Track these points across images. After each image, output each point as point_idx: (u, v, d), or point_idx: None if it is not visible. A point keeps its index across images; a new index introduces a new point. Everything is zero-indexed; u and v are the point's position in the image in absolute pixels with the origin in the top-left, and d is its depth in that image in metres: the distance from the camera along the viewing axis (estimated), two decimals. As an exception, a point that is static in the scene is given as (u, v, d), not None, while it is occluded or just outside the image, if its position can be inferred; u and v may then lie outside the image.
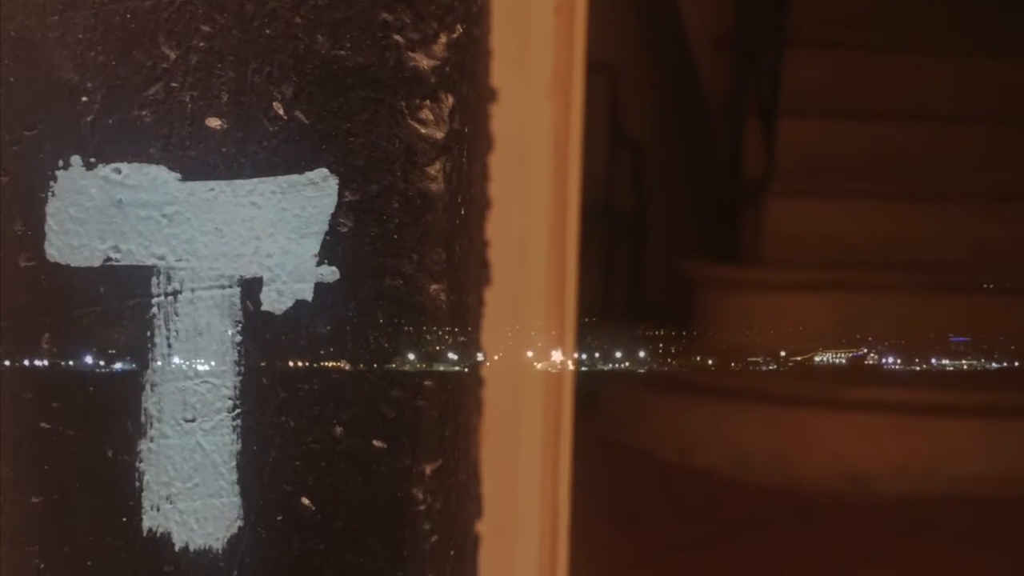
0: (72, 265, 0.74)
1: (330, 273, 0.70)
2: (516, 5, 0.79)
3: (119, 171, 0.73)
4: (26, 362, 0.76)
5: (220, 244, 0.72)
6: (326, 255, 0.70)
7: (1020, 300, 3.30)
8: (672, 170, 4.75)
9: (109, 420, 0.75)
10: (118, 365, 0.74)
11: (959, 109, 3.90)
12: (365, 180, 0.69)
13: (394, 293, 0.70)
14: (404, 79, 0.69)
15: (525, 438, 0.84)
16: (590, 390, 3.39)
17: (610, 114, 4.51)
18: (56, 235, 0.74)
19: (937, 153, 3.80)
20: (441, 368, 0.71)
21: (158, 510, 0.75)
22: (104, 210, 0.73)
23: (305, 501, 0.72)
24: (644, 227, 4.71)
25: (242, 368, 0.72)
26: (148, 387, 0.74)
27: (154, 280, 0.73)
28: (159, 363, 0.74)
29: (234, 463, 0.73)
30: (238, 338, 0.72)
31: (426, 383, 0.71)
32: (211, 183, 0.72)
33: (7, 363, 0.76)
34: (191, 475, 0.74)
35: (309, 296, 0.71)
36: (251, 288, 0.72)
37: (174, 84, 0.72)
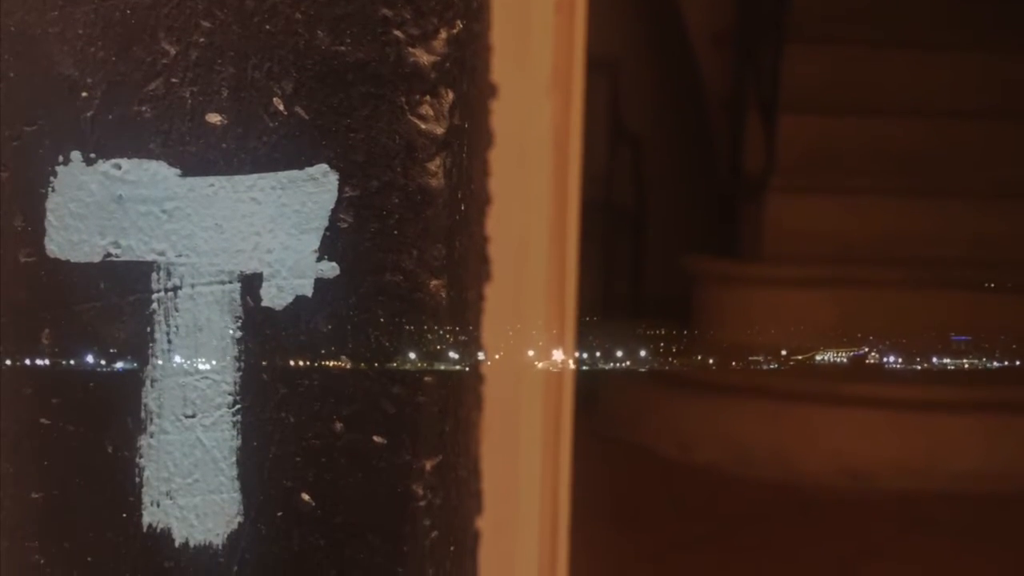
0: (72, 261, 0.74)
1: (330, 269, 0.70)
2: (516, 1, 0.79)
3: (119, 167, 0.73)
4: (26, 359, 0.76)
5: (220, 240, 0.72)
6: (326, 251, 0.70)
7: (1020, 296, 3.30)
8: (672, 166, 4.76)
9: (109, 416, 0.75)
10: (118, 361, 0.74)
11: (959, 105, 3.90)
12: (365, 176, 0.69)
13: (394, 289, 0.70)
14: (404, 75, 0.69)
15: (525, 434, 0.84)
16: (590, 386, 3.39)
17: (610, 110, 4.51)
18: (56, 231, 0.74)
19: (937, 149, 3.80)
20: (441, 364, 0.71)
21: (158, 506, 0.75)
22: (104, 206, 0.73)
23: (305, 497, 0.72)
24: (644, 223, 4.71)
25: (242, 364, 0.72)
26: (148, 383, 0.74)
27: (154, 276, 0.73)
28: (159, 359, 0.74)
29: (234, 459, 0.73)
30: (238, 334, 0.72)
31: (426, 379, 0.71)
32: (211, 179, 0.71)
33: (7, 359, 0.76)
34: (191, 471, 0.74)
35: (309, 292, 0.71)
36: (251, 284, 0.72)
37: (174, 80, 0.72)
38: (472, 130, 0.73)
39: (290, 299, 0.71)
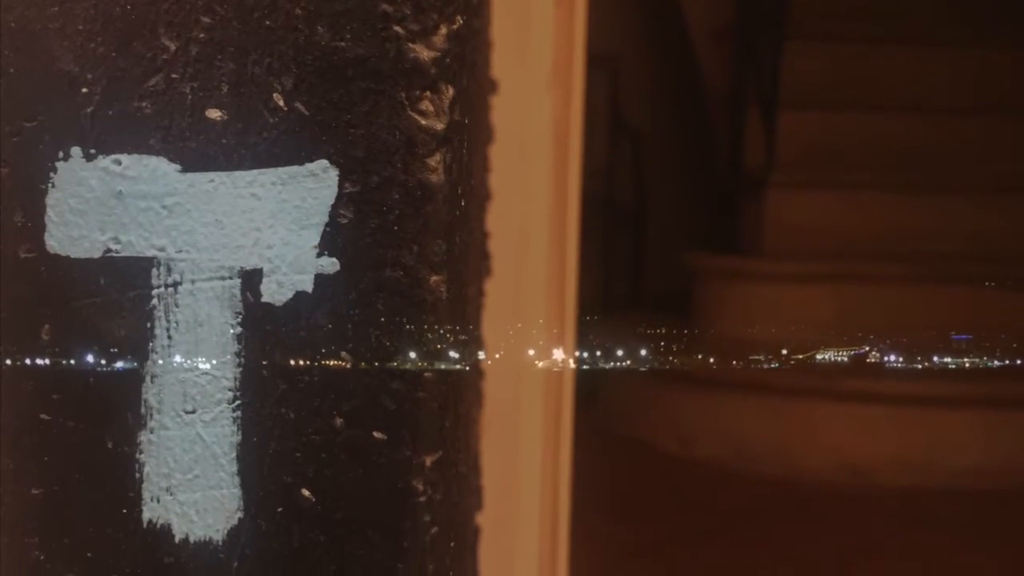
0: (72, 256, 0.74)
1: (330, 264, 0.70)
2: (516, -4, 0.79)
3: (119, 162, 0.73)
4: (26, 354, 0.76)
5: (220, 235, 0.72)
6: (326, 246, 0.70)
7: (1020, 292, 3.30)
8: (672, 162, 4.76)
9: (109, 411, 0.75)
10: (118, 357, 0.74)
11: (959, 100, 3.90)
12: (365, 171, 0.69)
13: (394, 285, 0.70)
14: (404, 70, 0.69)
15: (525, 429, 0.84)
16: (591, 381, 3.39)
17: (610, 106, 4.51)
18: (56, 226, 0.74)
19: (937, 144, 3.80)
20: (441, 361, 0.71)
21: (158, 501, 0.75)
22: (104, 201, 0.73)
23: (305, 492, 0.72)
24: (644, 218, 4.72)
25: (242, 360, 0.72)
26: (148, 378, 0.74)
27: (154, 271, 0.73)
28: (159, 355, 0.74)
29: (234, 454, 0.73)
30: (238, 330, 0.72)
31: (426, 374, 0.71)
32: (211, 174, 0.71)
33: (7, 355, 0.76)
34: (191, 466, 0.74)
35: (309, 287, 0.71)
36: (251, 279, 0.72)
37: (174, 75, 0.72)
38: (472, 126, 0.73)
39: (290, 295, 0.71)
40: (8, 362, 0.76)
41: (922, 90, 3.90)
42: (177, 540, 0.75)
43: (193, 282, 0.73)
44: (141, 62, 0.72)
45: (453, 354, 0.72)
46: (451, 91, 0.69)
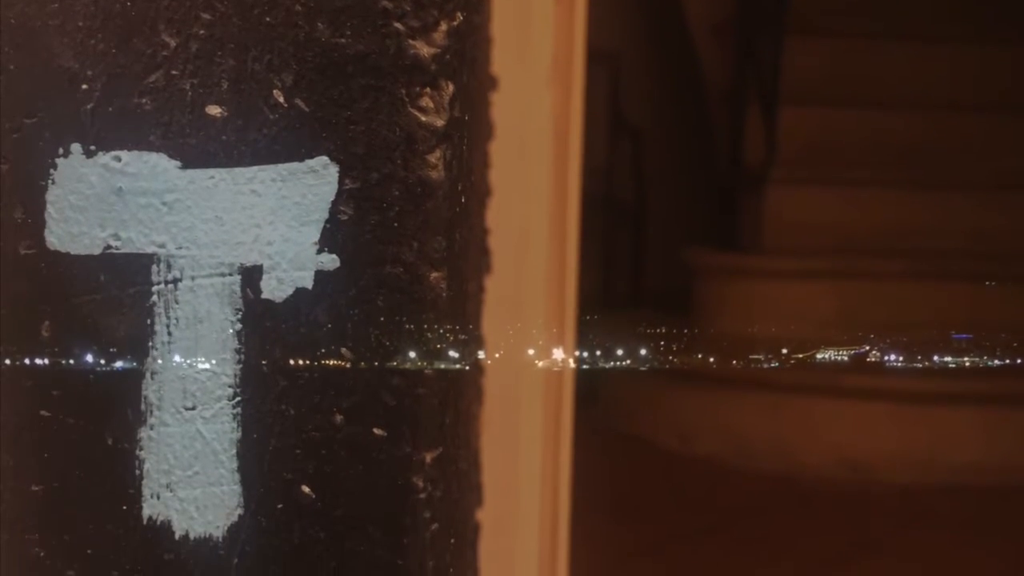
0: (72, 253, 0.74)
1: (330, 261, 0.70)
2: (516, -8, 0.79)
3: (119, 159, 0.73)
4: (26, 351, 0.76)
5: (220, 232, 0.72)
6: (326, 243, 0.70)
7: (1021, 288, 3.30)
8: (672, 158, 4.76)
9: (109, 408, 0.75)
10: (118, 354, 0.74)
11: (959, 97, 3.90)
12: (365, 168, 0.69)
13: (394, 281, 0.70)
14: (404, 67, 0.69)
15: (526, 426, 0.84)
16: (591, 378, 3.39)
17: (610, 102, 4.51)
18: (56, 223, 0.74)
19: (937, 141, 3.80)
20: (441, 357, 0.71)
21: (158, 498, 0.75)
22: (104, 198, 0.73)
23: (305, 489, 0.72)
24: (644, 215, 4.72)
25: (242, 356, 0.72)
26: (148, 375, 0.74)
27: (154, 268, 0.73)
28: (159, 351, 0.74)
29: (234, 451, 0.73)
30: (238, 326, 0.72)
31: (426, 371, 0.71)
32: (211, 171, 0.71)
33: (7, 353, 0.76)
34: (191, 463, 0.74)
35: (309, 284, 0.71)
36: (251, 276, 0.72)
37: (174, 72, 0.72)
38: (472, 122, 0.73)
39: (290, 291, 0.71)
40: (8, 359, 0.76)
41: (923, 86, 3.89)
42: (177, 537, 0.75)
43: (193, 279, 0.72)
44: (141, 59, 0.72)
45: (453, 351, 0.72)
46: (451, 87, 0.69)
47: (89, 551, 0.76)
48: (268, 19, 0.70)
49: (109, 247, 0.73)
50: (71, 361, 0.75)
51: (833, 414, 3.25)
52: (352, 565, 0.72)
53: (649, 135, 4.68)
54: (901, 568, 2.59)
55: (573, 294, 0.88)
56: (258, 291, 0.71)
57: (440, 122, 0.69)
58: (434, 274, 0.70)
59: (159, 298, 0.73)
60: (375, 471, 0.71)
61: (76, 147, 0.73)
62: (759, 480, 3.16)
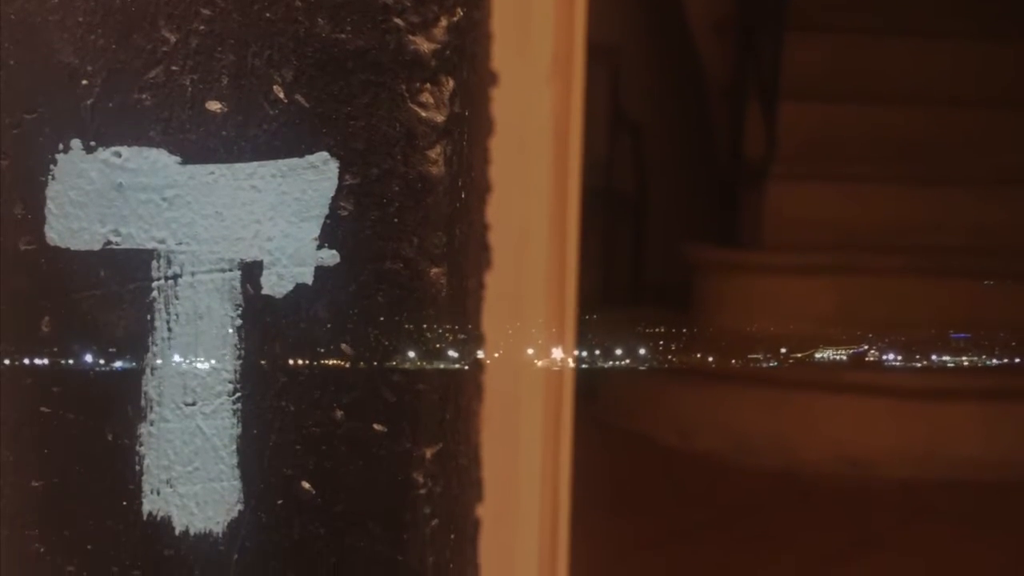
0: (72, 249, 0.74)
1: (330, 257, 0.70)
2: (517, -12, 0.79)
3: (119, 154, 0.73)
4: (26, 348, 0.76)
5: (220, 228, 0.72)
6: (326, 239, 0.70)
7: (1021, 285, 3.30)
8: (673, 153, 4.75)
9: (109, 404, 0.75)
10: (118, 350, 0.74)
11: (960, 93, 3.89)
12: (365, 163, 0.69)
13: (394, 277, 0.70)
14: (405, 62, 0.69)
15: (526, 422, 0.84)
16: (591, 374, 3.39)
17: (611, 98, 4.51)
18: (56, 219, 0.74)
19: (938, 137, 3.80)
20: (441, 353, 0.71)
21: (158, 494, 0.75)
22: (104, 193, 0.73)
23: (305, 485, 0.72)
24: (645, 210, 4.71)
25: (242, 352, 0.72)
26: (148, 371, 0.74)
27: (154, 264, 0.73)
28: (159, 347, 0.74)
29: (234, 447, 0.73)
30: (238, 322, 0.72)
31: (426, 367, 0.71)
32: (211, 166, 0.71)
33: (6, 350, 0.76)
34: (191, 459, 0.74)
35: (309, 280, 0.71)
36: (251, 272, 0.72)
37: (174, 67, 0.72)
38: (472, 118, 0.73)
39: (290, 287, 0.71)
40: (7, 356, 0.76)
41: (923, 82, 3.89)
42: (177, 532, 0.75)
43: (193, 274, 0.72)
44: (141, 54, 0.72)
45: (453, 347, 0.72)
46: (451, 83, 0.69)
47: (89, 547, 0.76)
48: (268, 15, 0.70)
49: (109, 243, 0.73)
50: (71, 358, 0.75)
51: (833, 410, 3.25)
52: (352, 561, 0.72)
53: (649, 130, 4.67)
54: (902, 562, 2.59)
55: (573, 290, 0.88)
56: (258, 287, 0.71)
57: (440, 118, 0.69)
58: (434, 270, 0.70)
59: (159, 294, 0.73)
60: (375, 467, 0.71)
61: (76, 143, 0.73)
62: (759, 476, 3.15)
